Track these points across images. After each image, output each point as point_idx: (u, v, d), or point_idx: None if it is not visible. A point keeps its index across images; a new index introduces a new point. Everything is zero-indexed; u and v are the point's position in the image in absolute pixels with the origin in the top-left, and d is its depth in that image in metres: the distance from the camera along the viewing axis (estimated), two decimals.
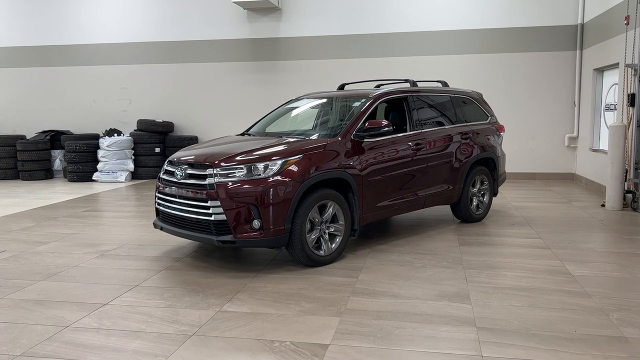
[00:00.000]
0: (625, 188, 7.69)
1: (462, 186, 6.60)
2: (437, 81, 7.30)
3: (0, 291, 4.45)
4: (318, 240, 5.01)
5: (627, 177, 7.67)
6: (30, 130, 12.92)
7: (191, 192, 4.88)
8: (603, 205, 7.84)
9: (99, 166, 11.56)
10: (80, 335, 3.57)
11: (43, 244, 6.01)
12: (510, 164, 10.09)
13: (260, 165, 4.77)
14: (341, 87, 7.21)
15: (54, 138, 12.45)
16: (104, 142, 11.56)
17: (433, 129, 6.31)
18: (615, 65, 8.92)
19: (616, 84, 8.91)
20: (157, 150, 11.92)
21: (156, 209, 5.49)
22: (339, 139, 5.30)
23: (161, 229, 5.34)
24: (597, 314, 3.82)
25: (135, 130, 12.19)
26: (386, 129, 5.44)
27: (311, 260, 4.93)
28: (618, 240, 5.98)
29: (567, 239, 6.01)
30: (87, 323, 3.77)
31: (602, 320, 3.70)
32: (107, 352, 3.31)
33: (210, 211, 4.71)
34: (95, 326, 3.71)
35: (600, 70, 9.85)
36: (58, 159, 12.45)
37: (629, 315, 3.80)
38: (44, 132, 12.55)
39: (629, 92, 7.75)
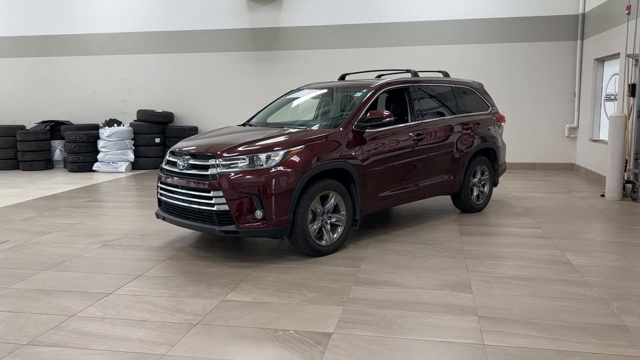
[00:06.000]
0: (625, 178, 7.72)
1: (463, 176, 6.62)
2: (439, 71, 7.30)
3: (5, 281, 4.48)
4: (320, 231, 5.04)
5: (627, 167, 7.70)
6: (30, 120, 12.89)
7: (193, 182, 4.90)
8: (603, 196, 7.87)
9: (99, 156, 11.55)
10: (85, 324, 3.60)
11: (46, 234, 6.03)
12: (511, 154, 10.10)
13: (263, 156, 4.79)
14: (342, 78, 7.21)
15: (54, 128, 12.44)
16: (104, 132, 11.55)
17: (434, 119, 6.32)
18: (616, 56, 8.92)
19: (617, 74, 8.90)
20: (157, 140, 11.92)
21: (158, 199, 5.51)
22: (341, 129, 5.31)
23: (163, 219, 5.36)
24: (597, 303, 3.85)
25: (135, 120, 12.18)
26: (388, 119, 5.45)
27: (313, 250, 4.96)
28: (618, 230, 6.02)
29: (567, 229, 6.04)
30: (91, 312, 3.80)
31: (602, 309, 3.74)
32: (112, 341, 3.34)
33: (212, 201, 4.73)
34: (100, 315, 3.74)
35: (600, 61, 9.84)
36: (58, 150, 12.44)
37: (629, 304, 3.84)
38: (44, 122, 12.54)
39: (629, 83, 7.75)
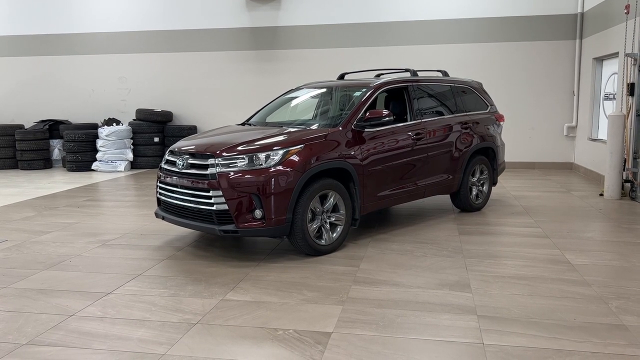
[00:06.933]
0: (624, 177, 7.73)
1: (462, 176, 6.62)
2: (438, 70, 7.30)
3: (4, 280, 4.47)
4: (319, 230, 5.04)
5: (626, 166, 7.70)
6: (28, 119, 12.87)
7: (193, 182, 4.90)
8: (602, 195, 7.88)
9: (98, 156, 11.54)
10: (84, 324, 3.60)
11: (45, 234, 6.02)
12: (510, 154, 10.08)
13: (262, 155, 4.79)
14: (341, 77, 7.21)
15: (53, 127, 12.42)
16: (103, 131, 11.54)
17: (433, 118, 6.32)
18: (614, 55, 8.92)
19: (615, 73, 8.91)
20: (156, 139, 11.91)
21: (157, 198, 5.51)
22: (340, 128, 5.31)
23: (163, 218, 5.36)
24: (596, 302, 3.86)
25: (134, 119, 12.17)
26: (387, 118, 5.46)
27: (313, 250, 4.96)
28: (617, 230, 6.03)
29: (566, 228, 6.05)
30: (91, 312, 3.80)
31: (601, 309, 3.75)
32: (112, 341, 3.34)
33: (212, 201, 4.73)
34: (99, 315, 3.74)
35: (599, 60, 9.85)
36: (57, 149, 12.43)
37: (627, 303, 3.84)
38: (43, 121, 12.51)
39: (628, 82, 7.76)
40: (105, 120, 12.17)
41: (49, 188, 9.34)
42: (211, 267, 4.76)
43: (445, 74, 7.25)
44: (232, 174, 4.72)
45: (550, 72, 10.80)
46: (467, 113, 6.80)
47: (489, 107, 7.25)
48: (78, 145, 11.54)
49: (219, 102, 12.13)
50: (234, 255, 5.14)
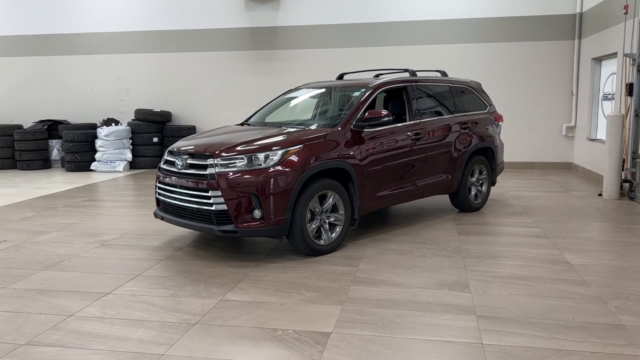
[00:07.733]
0: (623, 177, 7.73)
1: (461, 176, 6.63)
2: (437, 71, 7.30)
3: (3, 281, 4.47)
4: (318, 230, 5.04)
5: (625, 166, 7.71)
6: (27, 119, 12.85)
7: (192, 182, 4.90)
8: (600, 195, 7.89)
9: (97, 156, 11.53)
10: (84, 324, 3.60)
11: (44, 234, 6.02)
12: (509, 154, 10.10)
13: (261, 156, 4.79)
14: (340, 77, 7.21)
15: (52, 128, 12.41)
16: (102, 131, 11.54)
17: (432, 118, 6.32)
18: (613, 55, 8.93)
19: (614, 73, 8.92)
20: (155, 140, 11.90)
21: (157, 198, 5.50)
22: (339, 129, 5.31)
23: (162, 218, 5.36)
24: (595, 302, 3.86)
25: (133, 119, 12.16)
26: (386, 119, 5.46)
27: (312, 250, 4.96)
28: (615, 230, 6.03)
29: (565, 228, 6.05)
30: (90, 312, 3.79)
31: (600, 309, 3.75)
32: (111, 341, 3.34)
33: (211, 201, 4.73)
34: (98, 315, 3.74)
35: (598, 60, 9.86)
36: (56, 149, 12.42)
37: (626, 303, 3.85)
38: (42, 121, 12.50)
39: (627, 82, 7.77)
40: (104, 120, 12.16)
41: (48, 188, 9.33)
42: (210, 268, 4.76)
43: (444, 74, 7.26)
44: (231, 174, 4.72)
45: (550, 72, 10.81)
46: (466, 113, 6.81)
47: (488, 107, 7.26)
48: (77, 146, 11.53)
49: (218, 102, 12.13)
50: (233, 255, 5.14)
